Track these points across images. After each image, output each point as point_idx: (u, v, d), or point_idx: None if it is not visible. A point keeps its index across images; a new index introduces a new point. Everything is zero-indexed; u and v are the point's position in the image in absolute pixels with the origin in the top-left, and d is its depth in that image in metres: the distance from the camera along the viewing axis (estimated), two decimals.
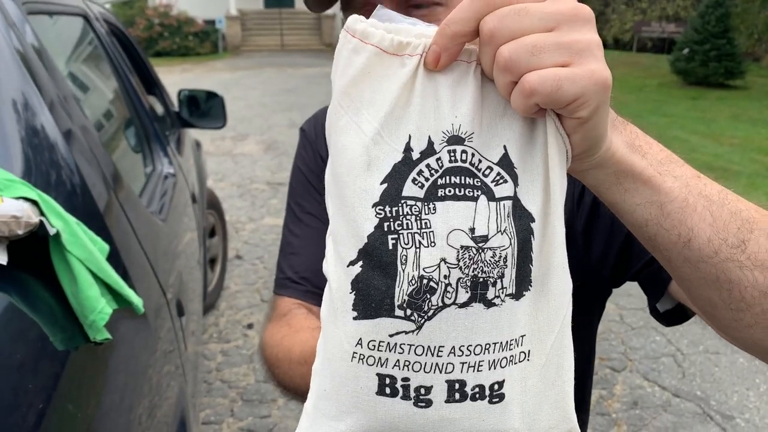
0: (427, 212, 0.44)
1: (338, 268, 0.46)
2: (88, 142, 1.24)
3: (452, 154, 0.44)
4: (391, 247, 0.44)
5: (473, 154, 0.45)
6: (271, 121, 8.74)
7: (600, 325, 3.26)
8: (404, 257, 0.43)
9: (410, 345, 0.44)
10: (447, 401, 0.44)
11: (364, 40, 0.45)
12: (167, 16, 18.00)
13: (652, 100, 10.56)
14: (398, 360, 0.44)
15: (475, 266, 0.43)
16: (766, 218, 0.50)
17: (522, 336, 0.45)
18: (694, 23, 12.05)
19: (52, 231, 0.81)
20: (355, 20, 0.46)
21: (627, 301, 3.56)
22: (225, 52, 18.58)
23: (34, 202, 0.81)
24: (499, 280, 0.44)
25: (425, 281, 0.43)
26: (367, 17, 0.67)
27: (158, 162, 2.07)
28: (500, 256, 0.44)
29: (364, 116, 0.45)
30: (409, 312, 0.43)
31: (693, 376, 2.90)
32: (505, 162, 0.45)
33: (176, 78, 12.58)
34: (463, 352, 0.44)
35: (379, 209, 0.44)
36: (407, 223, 0.44)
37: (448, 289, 0.43)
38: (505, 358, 0.44)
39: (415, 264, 0.43)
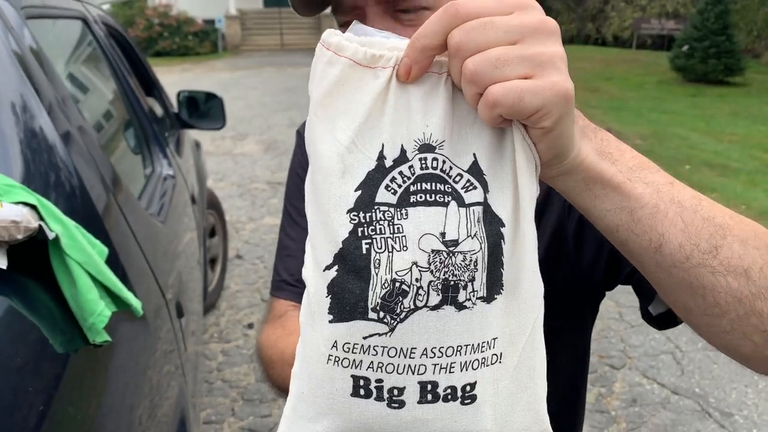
0: (399, 217, 0.45)
1: (315, 273, 0.47)
2: (87, 144, 1.25)
3: (423, 161, 0.46)
4: (365, 252, 0.45)
5: (444, 162, 0.46)
6: (271, 121, 8.75)
7: (599, 323, 3.26)
8: (377, 261, 0.45)
9: (383, 347, 0.45)
10: (420, 402, 0.45)
11: (338, 53, 0.47)
12: (167, 15, 18.00)
13: (652, 98, 10.55)
14: (372, 362, 0.45)
15: (446, 270, 0.45)
16: (740, 225, 0.50)
17: (494, 339, 0.46)
18: (693, 20, 12.05)
19: (51, 235, 0.82)
20: (329, 34, 0.47)
21: (626, 299, 3.57)
22: (225, 52, 18.58)
23: (34, 207, 0.82)
24: (470, 284, 0.45)
25: (397, 284, 0.44)
26: (358, 20, 0.68)
27: (157, 164, 2.08)
28: (471, 260, 0.45)
29: (339, 126, 0.46)
30: (382, 314, 0.45)
31: (692, 374, 2.91)
32: (475, 169, 0.46)
33: (176, 78, 12.59)
34: (435, 354, 0.45)
35: (354, 215, 0.45)
36: (380, 228, 0.45)
37: (420, 292, 0.45)
38: (477, 360, 0.45)
39: (387, 268, 0.45)
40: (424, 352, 0.45)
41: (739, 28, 13.31)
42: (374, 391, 0.45)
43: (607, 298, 0.77)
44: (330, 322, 0.46)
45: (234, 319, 3.40)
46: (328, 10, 0.74)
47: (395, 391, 0.45)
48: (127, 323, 1.09)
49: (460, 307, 0.45)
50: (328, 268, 0.46)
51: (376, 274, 0.45)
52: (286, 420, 0.50)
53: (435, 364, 0.45)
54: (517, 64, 0.42)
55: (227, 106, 3.04)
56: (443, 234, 0.45)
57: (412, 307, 0.45)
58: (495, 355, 0.46)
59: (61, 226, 0.85)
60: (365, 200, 0.46)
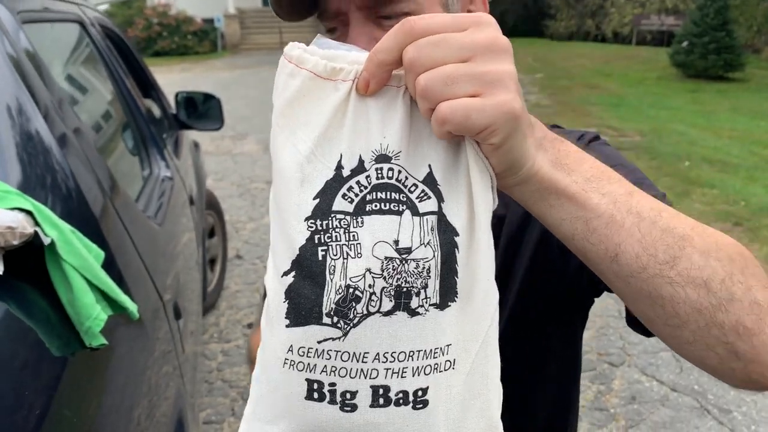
0: (355, 225, 0.46)
1: (274, 279, 0.49)
2: (83, 147, 1.26)
3: (380, 171, 0.47)
4: (320, 258, 0.46)
5: (400, 171, 0.47)
6: (270, 120, 8.74)
7: (598, 320, 3.26)
8: (333, 267, 0.46)
9: (337, 351, 0.46)
10: (372, 406, 0.46)
11: (299, 65, 0.48)
12: (166, 15, 18.00)
13: (652, 93, 10.55)
14: (326, 366, 0.46)
15: (399, 276, 0.46)
16: (702, 236, 0.50)
17: (448, 345, 0.47)
18: (693, 16, 12.02)
19: (46, 240, 0.83)
20: (291, 47, 0.49)
21: None
22: (224, 51, 18.58)
23: (29, 213, 0.83)
24: (422, 290, 0.46)
25: (351, 290, 0.46)
26: (340, 28, 0.69)
27: (155, 165, 2.09)
28: (424, 268, 0.46)
29: (300, 136, 0.48)
30: (336, 319, 0.46)
31: (691, 371, 2.91)
32: (430, 180, 0.48)
33: (175, 77, 12.60)
34: (387, 359, 0.46)
35: (311, 223, 0.47)
36: (336, 236, 0.46)
37: (373, 297, 0.45)
38: (430, 365, 0.46)
39: (342, 274, 0.46)
40: (377, 357, 0.46)
41: (738, 23, 13.29)
42: (327, 394, 0.46)
43: (606, 295, 0.77)
44: (287, 326, 0.47)
45: (234, 319, 3.41)
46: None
47: (348, 395, 0.46)
48: (125, 325, 1.10)
49: (413, 313, 0.46)
50: (285, 273, 0.47)
51: (331, 280, 0.46)
52: (245, 422, 0.51)
53: (387, 369, 0.46)
54: (467, 82, 0.43)
55: (227, 105, 3.05)
56: (397, 242, 0.46)
57: (365, 312, 0.46)
58: (448, 361, 0.47)
59: (56, 231, 0.86)
60: (323, 208, 0.47)
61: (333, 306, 0.46)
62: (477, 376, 0.48)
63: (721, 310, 0.48)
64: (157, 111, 2.73)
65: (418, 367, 0.46)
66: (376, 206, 0.47)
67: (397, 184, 0.47)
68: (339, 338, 0.46)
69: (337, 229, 0.46)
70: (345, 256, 0.46)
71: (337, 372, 0.46)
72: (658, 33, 16.53)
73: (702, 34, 11.33)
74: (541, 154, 0.49)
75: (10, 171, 0.98)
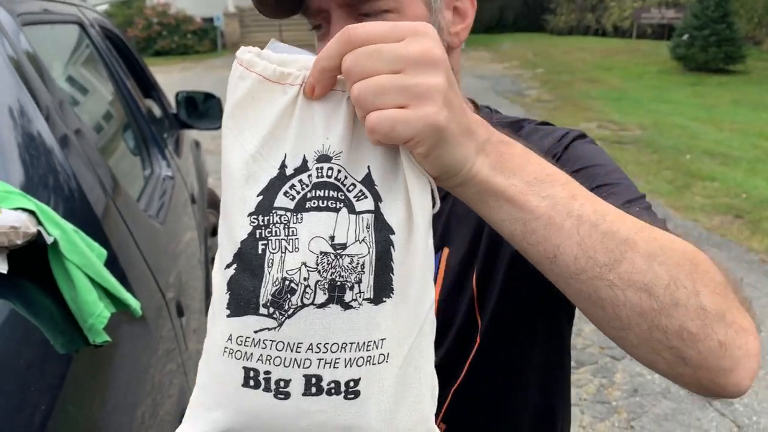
0: (295, 221, 0.48)
1: (218, 272, 0.51)
2: (85, 147, 1.27)
3: (320, 170, 0.49)
4: (260, 252, 0.48)
5: (339, 171, 0.49)
6: None
7: None
8: (271, 261, 0.48)
9: (272, 341, 0.48)
10: (304, 394, 0.48)
11: (249, 69, 0.50)
12: (165, 14, 18.00)
13: (653, 87, 10.53)
14: (261, 354, 0.48)
15: (333, 270, 0.48)
16: (647, 241, 0.50)
17: (382, 339, 0.48)
18: (693, 9, 11.99)
19: (49, 240, 0.84)
20: (243, 51, 0.51)
21: None
22: (224, 50, 18.57)
23: (32, 213, 0.84)
24: (356, 285, 0.48)
25: (287, 282, 0.48)
26: (324, 25, 0.71)
27: (156, 165, 2.10)
28: (358, 263, 0.48)
29: (247, 136, 0.50)
30: (272, 310, 0.48)
31: None
32: (368, 180, 0.50)
33: (176, 77, 12.60)
34: (320, 350, 0.47)
35: (254, 218, 0.49)
36: (276, 231, 0.48)
37: (307, 290, 0.47)
38: (362, 357, 0.48)
39: (279, 267, 0.48)
40: (310, 347, 0.47)
41: (739, 15, 13.25)
42: (263, 382, 0.48)
43: None
44: (227, 316, 0.49)
45: None
46: None
47: (281, 383, 0.48)
48: (128, 323, 1.11)
49: (346, 306, 0.48)
50: (228, 266, 0.50)
51: (269, 273, 0.48)
52: (190, 409, 0.52)
53: (320, 359, 0.47)
54: (395, 94, 0.45)
55: None
56: (332, 237, 0.48)
57: (300, 304, 0.47)
58: (382, 354, 0.48)
59: (59, 230, 0.87)
60: (265, 205, 0.49)
61: (269, 297, 0.48)
62: (410, 370, 0.50)
63: (664, 315, 0.49)
64: (157, 111, 2.75)
65: (350, 359, 0.48)
66: (314, 203, 0.49)
67: (336, 182, 0.49)
68: (274, 328, 0.48)
69: (278, 225, 0.48)
70: (283, 250, 0.48)
71: (272, 361, 0.48)
72: (658, 26, 16.49)
73: (702, 26, 11.31)
74: (481, 157, 0.50)
75: (12, 172, 0.99)
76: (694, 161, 6.13)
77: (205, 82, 11.44)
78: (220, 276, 0.50)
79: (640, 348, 0.51)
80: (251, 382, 0.48)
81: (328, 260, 0.48)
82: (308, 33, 0.75)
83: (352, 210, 0.49)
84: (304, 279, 0.47)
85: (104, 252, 1.00)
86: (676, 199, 5.11)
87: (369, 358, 0.48)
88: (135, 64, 2.66)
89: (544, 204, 0.50)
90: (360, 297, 0.48)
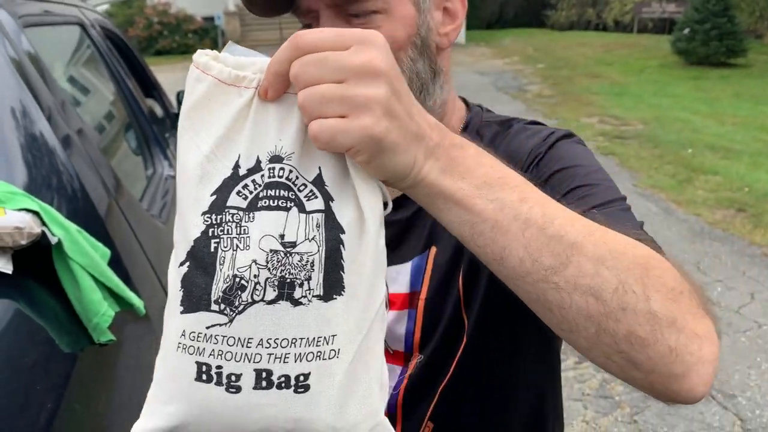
0: (247, 220, 0.50)
1: (173, 269, 0.52)
2: (87, 148, 1.28)
3: (272, 170, 0.50)
4: (212, 250, 0.49)
5: (291, 171, 0.50)
6: None
7: None
8: (223, 258, 0.49)
9: (223, 336, 0.49)
10: (255, 388, 0.48)
11: (205, 72, 0.51)
12: (166, 14, 18.00)
13: (654, 81, 10.51)
14: (213, 349, 0.49)
15: (283, 268, 0.49)
16: (596, 245, 0.51)
17: (333, 335, 0.50)
18: (694, 3, 11.96)
19: (53, 240, 0.85)
20: (199, 54, 0.52)
21: None
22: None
23: (36, 213, 0.85)
24: (306, 282, 0.49)
25: (237, 279, 0.49)
26: (314, 24, 0.71)
27: (158, 164, 2.11)
28: (307, 261, 0.49)
29: (202, 137, 0.51)
30: (223, 306, 0.49)
31: None
32: (319, 181, 0.51)
33: (177, 76, 12.56)
34: (270, 345, 0.48)
35: (207, 217, 0.50)
36: (228, 229, 0.50)
37: (257, 287, 0.49)
38: (312, 352, 0.49)
39: (230, 264, 0.49)
40: (260, 343, 0.48)
41: (740, 8, 13.21)
42: (215, 376, 0.49)
43: None
44: (181, 313, 0.50)
45: None
46: None
47: (233, 377, 0.49)
48: (132, 322, 1.12)
49: (296, 303, 0.49)
50: (182, 264, 0.51)
51: (220, 270, 0.49)
52: (147, 403, 0.53)
53: (270, 354, 0.48)
54: (336, 103, 0.47)
55: None
56: (282, 236, 0.49)
57: (250, 300, 0.49)
58: (333, 350, 0.50)
59: (63, 230, 0.88)
60: (218, 204, 0.50)
61: (221, 294, 0.49)
62: (360, 365, 0.51)
63: (611, 319, 0.49)
64: (159, 110, 2.75)
65: (300, 354, 0.49)
66: (266, 203, 0.50)
67: (288, 182, 0.50)
68: (225, 324, 0.49)
69: (230, 223, 0.50)
70: (234, 248, 0.49)
71: (223, 355, 0.49)
72: (659, 21, 16.46)
73: (703, 20, 11.28)
74: (431, 161, 0.52)
75: (16, 173, 1.00)
76: (696, 155, 6.12)
77: None
78: (175, 273, 0.52)
79: (591, 351, 0.52)
80: (204, 377, 0.49)
81: (278, 258, 0.49)
82: None
83: (302, 209, 0.50)
84: (255, 276, 0.49)
85: (108, 252, 1.01)
86: (678, 194, 5.10)
87: (319, 354, 0.49)
88: (136, 64, 2.66)
89: (491, 207, 0.51)
90: (309, 294, 0.49)
